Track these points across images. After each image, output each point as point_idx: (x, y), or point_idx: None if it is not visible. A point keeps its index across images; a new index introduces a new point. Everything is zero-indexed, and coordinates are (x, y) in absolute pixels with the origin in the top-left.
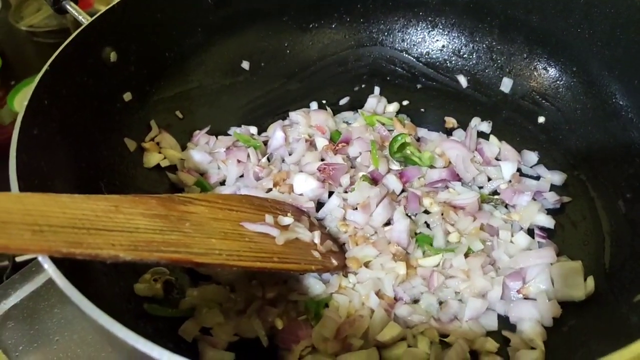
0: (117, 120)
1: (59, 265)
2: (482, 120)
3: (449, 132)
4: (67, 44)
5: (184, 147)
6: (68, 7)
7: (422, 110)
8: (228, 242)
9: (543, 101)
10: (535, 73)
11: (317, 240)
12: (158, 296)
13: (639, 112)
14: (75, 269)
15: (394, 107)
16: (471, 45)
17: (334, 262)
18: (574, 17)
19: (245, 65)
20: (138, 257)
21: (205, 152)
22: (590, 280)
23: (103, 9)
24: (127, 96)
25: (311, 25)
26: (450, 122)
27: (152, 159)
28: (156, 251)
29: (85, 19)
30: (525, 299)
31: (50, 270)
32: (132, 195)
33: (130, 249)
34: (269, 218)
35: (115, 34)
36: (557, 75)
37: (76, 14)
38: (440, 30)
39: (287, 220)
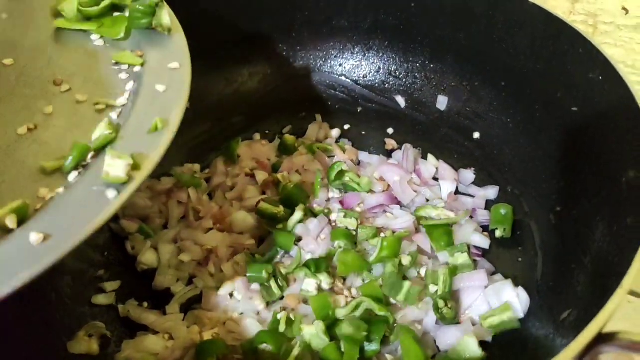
0: None
1: None
2: (419, 140)
3: (389, 154)
4: None
5: None
6: None
7: (363, 133)
8: None
9: (477, 117)
10: (467, 89)
11: None
12: (93, 353)
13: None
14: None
15: (335, 132)
16: (406, 66)
17: None
18: (496, 34)
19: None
20: None
21: (147, 197)
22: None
23: None
24: None
25: (249, 57)
26: (390, 143)
27: None
28: None
29: None
30: (457, 323)
31: None
32: None
33: None
34: None
35: None
36: (487, 90)
37: None
38: (375, 53)
39: None
